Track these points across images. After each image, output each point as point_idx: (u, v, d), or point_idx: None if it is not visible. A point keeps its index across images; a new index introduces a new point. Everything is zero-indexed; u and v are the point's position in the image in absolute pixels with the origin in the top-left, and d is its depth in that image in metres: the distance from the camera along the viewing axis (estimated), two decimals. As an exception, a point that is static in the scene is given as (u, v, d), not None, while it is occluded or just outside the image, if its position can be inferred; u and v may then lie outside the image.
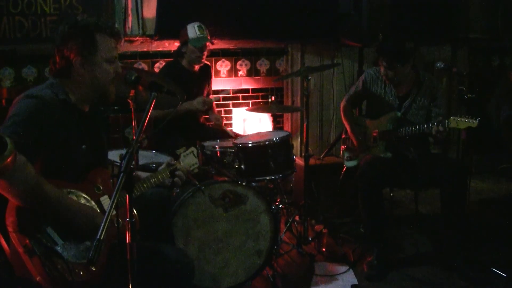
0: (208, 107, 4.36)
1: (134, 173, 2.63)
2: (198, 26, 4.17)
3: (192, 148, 2.79)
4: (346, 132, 4.09)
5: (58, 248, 2.03)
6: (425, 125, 3.52)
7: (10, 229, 1.99)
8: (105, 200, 2.29)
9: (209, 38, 4.22)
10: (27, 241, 1.97)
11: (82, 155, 2.29)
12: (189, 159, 2.74)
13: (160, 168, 2.59)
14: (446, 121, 3.42)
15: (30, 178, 1.96)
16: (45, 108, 2.13)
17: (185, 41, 4.20)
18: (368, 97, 4.03)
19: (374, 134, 3.84)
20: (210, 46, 4.33)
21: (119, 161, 1.85)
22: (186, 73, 4.25)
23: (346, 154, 4.05)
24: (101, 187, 2.30)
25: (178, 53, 4.30)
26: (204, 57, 4.23)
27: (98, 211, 2.23)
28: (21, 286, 2.06)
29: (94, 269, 2.07)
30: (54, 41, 2.26)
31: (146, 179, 2.47)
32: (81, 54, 2.21)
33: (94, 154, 2.37)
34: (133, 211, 2.31)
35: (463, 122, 3.37)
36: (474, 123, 3.34)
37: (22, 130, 2.03)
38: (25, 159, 1.95)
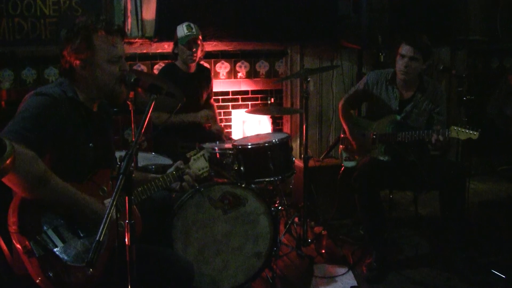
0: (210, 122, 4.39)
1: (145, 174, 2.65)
2: (186, 25, 4.19)
3: (203, 151, 2.77)
4: (344, 132, 4.09)
5: (57, 251, 2.04)
6: (425, 132, 3.52)
7: (11, 229, 2.01)
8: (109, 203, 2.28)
9: (200, 37, 4.22)
10: (27, 242, 1.98)
11: (89, 153, 2.30)
12: (199, 162, 2.73)
13: (169, 171, 2.59)
14: (447, 130, 3.41)
15: (38, 172, 1.99)
16: (54, 105, 2.15)
17: (176, 42, 4.23)
18: (368, 99, 4.03)
19: (372, 135, 3.83)
20: (205, 48, 4.35)
21: (119, 163, 1.86)
22: (182, 75, 4.25)
23: (344, 154, 4.05)
24: (106, 189, 2.30)
25: (173, 54, 4.35)
26: (196, 56, 4.22)
27: (105, 204, 2.24)
28: (20, 287, 2.06)
29: (92, 271, 2.07)
30: (58, 44, 2.30)
31: (153, 183, 2.46)
32: (79, 58, 2.23)
33: (101, 154, 2.38)
34: (137, 213, 2.32)
35: (463, 133, 3.36)
36: (475, 135, 3.34)
37: (31, 125, 2.06)
38: (34, 154, 1.99)
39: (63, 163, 2.18)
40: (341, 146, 4.12)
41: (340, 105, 4.12)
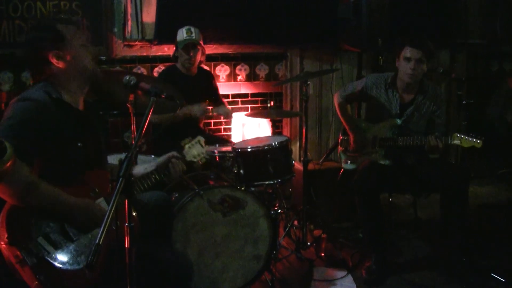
0: (206, 117, 4.37)
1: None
2: (186, 29, 4.20)
3: (199, 137, 2.75)
4: (343, 134, 4.09)
5: (50, 257, 2.03)
6: (426, 138, 3.52)
7: (1, 241, 1.99)
8: (101, 203, 2.29)
9: (201, 42, 4.24)
10: (18, 252, 1.97)
11: (78, 153, 2.29)
12: (195, 149, 2.71)
13: (161, 159, 2.58)
14: (449, 137, 3.41)
15: (24, 179, 1.99)
16: (39, 109, 2.15)
17: (176, 45, 4.23)
18: (366, 101, 4.03)
19: (372, 138, 3.84)
20: (204, 50, 4.36)
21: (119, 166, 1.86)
22: (182, 77, 4.26)
23: (343, 156, 4.04)
24: (96, 190, 2.29)
25: (173, 57, 4.37)
26: (194, 60, 4.22)
27: (95, 203, 2.25)
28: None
29: (89, 273, 2.06)
30: (23, 52, 2.34)
31: (146, 176, 2.47)
32: (53, 47, 2.23)
33: (91, 153, 2.37)
34: (133, 214, 2.31)
35: (466, 141, 3.35)
36: (478, 143, 3.32)
37: (16, 133, 2.05)
38: (19, 161, 1.97)
39: (53, 165, 2.18)
40: (340, 148, 4.12)
41: (336, 101, 4.11)
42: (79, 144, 2.30)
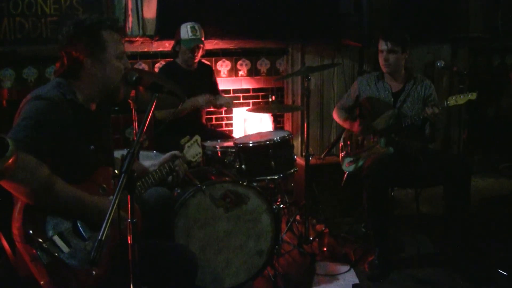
0: (211, 106, 4.37)
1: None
2: (191, 27, 4.19)
3: (196, 137, 2.78)
4: (343, 140, 4.11)
5: (64, 256, 2.02)
6: (424, 110, 3.64)
7: (16, 239, 1.98)
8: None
9: (203, 39, 4.24)
10: (33, 250, 1.95)
11: (90, 155, 2.27)
12: (193, 149, 2.74)
13: (163, 159, 2.59)
14: (445, 101, 3.55)
15: (42, 178, 1.98)
16: (54, 109, 2.11)
17: (178, 41, 4.23)
18: (362, 104, 4.09)
19: (373, 139, 3.86)
20: (206, 47, 4.35)
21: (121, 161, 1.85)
22: (183, 72, 4.26)
23: (348, 160, 4.00)
24: (106, 188, 2.29)
25: (173, 51, 4.34)
26: (197, 58, 4.24)
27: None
28: (23, 287, 2.06)
29: (95, 271, 2.06)
30: (58, 42, 2.23)
31: (151, 176, 2.47)
32: (90, 55, 2.20)
33: (101, 154, 2.36)
34: (137, 209, 2.31)
35: (461, 98, 3.51)
36: (473, 95, 3.49)
37: (34, 133, 2.02)
38: (37, 161, 1.96)
39: (64, 166, 2.15)
40: (341, 154, 4.11)
41: (335, 114, 4.24)
42: (91, 147, 2.27)
